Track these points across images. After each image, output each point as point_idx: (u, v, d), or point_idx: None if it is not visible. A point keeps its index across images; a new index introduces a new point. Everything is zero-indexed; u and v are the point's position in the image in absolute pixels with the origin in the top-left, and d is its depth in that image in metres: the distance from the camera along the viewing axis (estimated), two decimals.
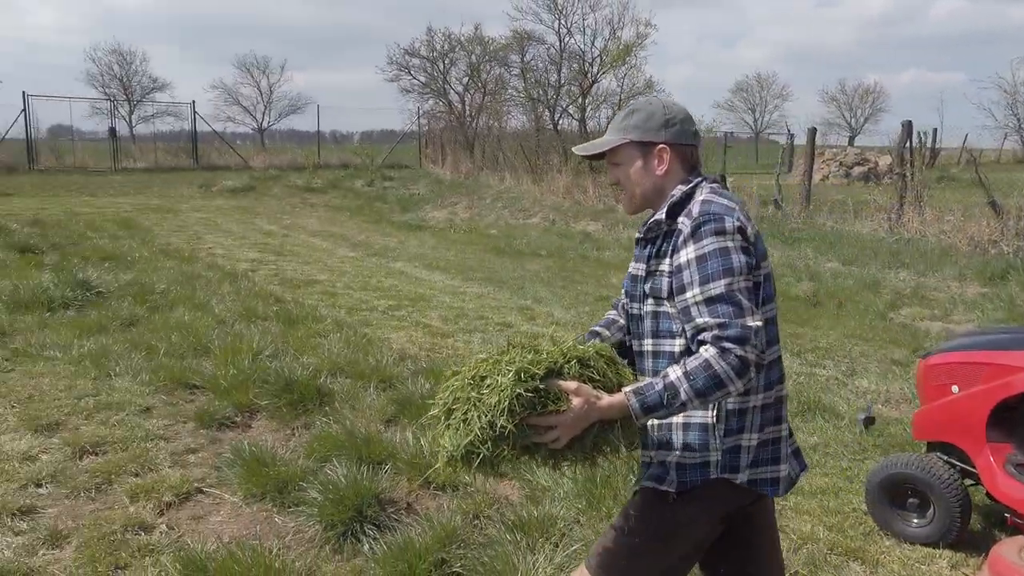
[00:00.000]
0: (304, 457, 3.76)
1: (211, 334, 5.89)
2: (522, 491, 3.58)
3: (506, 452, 1.65)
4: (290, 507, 3.38)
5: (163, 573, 2.81)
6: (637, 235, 1.88)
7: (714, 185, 1.82)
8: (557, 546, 3.03)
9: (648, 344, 1.83)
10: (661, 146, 1.82)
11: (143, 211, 15.25)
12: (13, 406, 4.51)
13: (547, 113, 21.44)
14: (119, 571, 2.84)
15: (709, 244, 1.66)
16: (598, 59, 21.13)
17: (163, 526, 3.20)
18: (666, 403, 1.62)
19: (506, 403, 1.62)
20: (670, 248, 1.74)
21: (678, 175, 1.83)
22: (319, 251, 11.39)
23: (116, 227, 12.63)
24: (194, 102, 24.65)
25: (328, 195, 19.23)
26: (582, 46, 21.81)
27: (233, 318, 6.52)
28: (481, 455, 1.64)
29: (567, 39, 21.53)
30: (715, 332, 1.60)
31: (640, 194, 1.86)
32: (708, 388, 1.59)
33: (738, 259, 1.66)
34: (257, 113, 32.98)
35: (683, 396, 1.61)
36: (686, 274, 1.67)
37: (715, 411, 1.74)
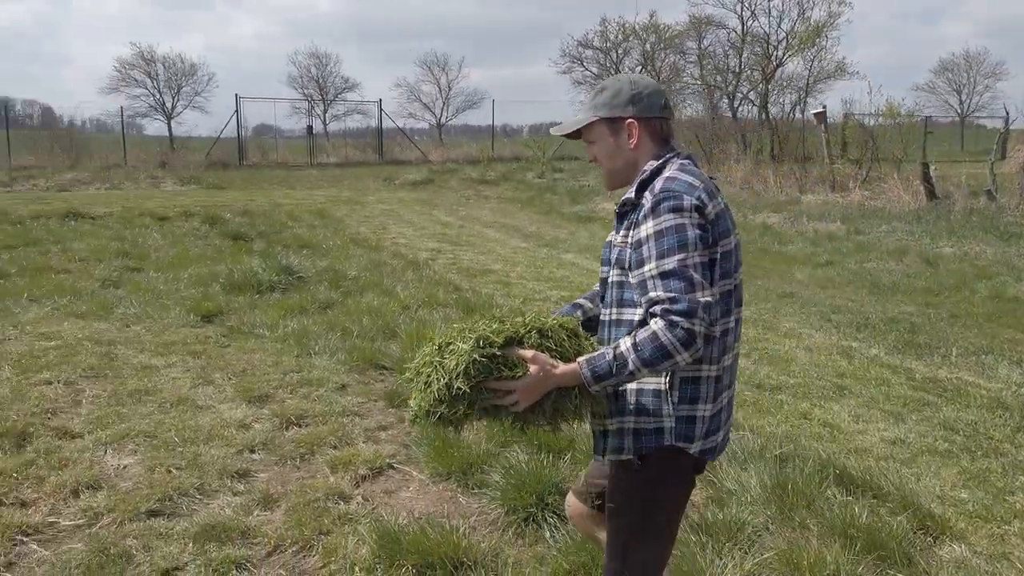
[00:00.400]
0: (486, 441, 3.85)
1: (397, 319, 6.21)
2: (704, 492, 3.45)
3: (462, 411, 1.81)
4: (473, 488, 3.48)
5: (361, 541, 2.98)
6: (615, 208, 1.93)
7: (684, 162, 1.86)
8: (746, 552, 2.89)
9: (613, 313, 1.90)
10: (629, 120, 1.87)
11: (335, 203, 16.43)
12: (230, 378, 5.00)
13: (725, 100, 20.59)
14: (322, 536, 3.06)
15: (667, 220, 1.73)
16: (784, 42, 19.99)
17: (359, 497, 3.41)
18: (615, 372, 1.72)
19: (462, 367, 1.77)
20: (635, 222, 1.81)
21: (650, 149, 1.89)
22: (493, 241, 11.70)
23: (312, 217, 13.71)
24: (381, 100, 26.27)
25: (501, 187, 19.72)
26: (766, 29, 20.72)
27: (416, 304, 6.84)
28: (440, 413, 1.81)
29: (750, 22, 20.54)
30: (665, 305, 1.68)
31: (615, 169, 1.93)
32: (655, 358, 1.67)
33: (693, 235, 1.72)
34: (436, 109, 34.52)
35: (631, 366, 1.70)
36: (644, 248, 1.75)
37: (667, 378, 1.81)
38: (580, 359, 1.77)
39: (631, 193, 1.87)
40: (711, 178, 1.88)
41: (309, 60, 32.34)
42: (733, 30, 21.08)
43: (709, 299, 1.70)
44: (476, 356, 1.77)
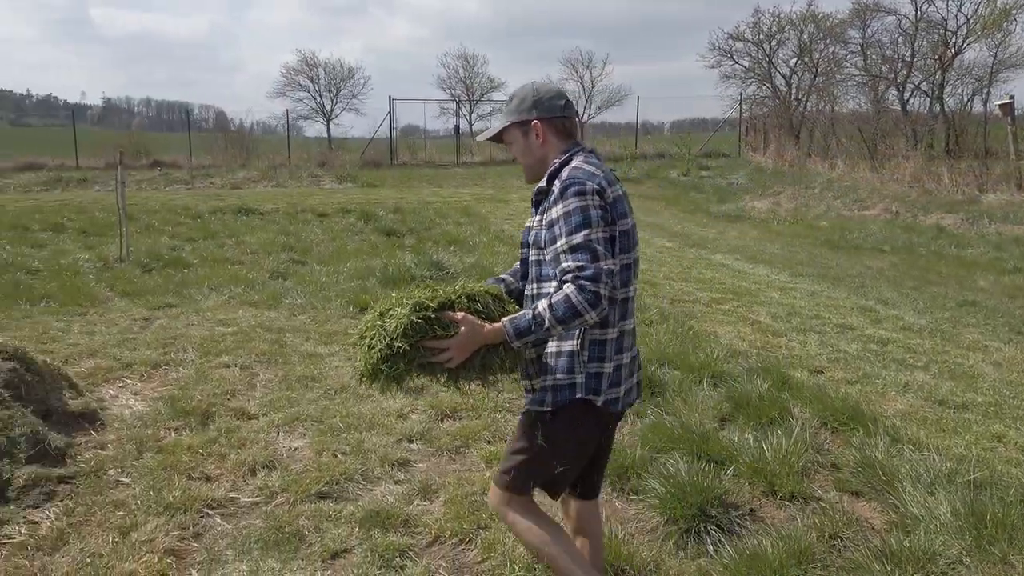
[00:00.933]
0: (640, 447, 3.75)
1: None
2: (885, 516, 3.17)
3: (402, 368, 2.04)
4: (630, 494, 3.39)
5: (518, 540, 2.97)
6: (532, 197, 2.21)
7: (588, 155, 2.16)
8: None
9: (534, 288, 2.19)
10: (534, 122, 2.18)
11: (480, 200, 16.77)
12: None
13: (893, 92, 19.10)
14: (480, 530, 3.08)
15: (572, 203, 2.02)
16: (964, 27, 18.24)
17: None
18: (534, 329, 2.01)
19: (401, 328, 2.01)
20: (547, 206, 2.09)
21: (556, 145, 2.19)
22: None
23: (459, 214, 14.06)
24: None
25: (644, 185, 19.37)
26: (943, 13, 19.01)
27: None
28: (384, 372, 2.04)
29: (925, 7, 18.92)
30: (575, 273, 1.96)
31: (530, 165, 2.23)
32: (567, 316, 1.95)
33: (595, 215, 2.01)
34: (579, 107, 34.41)
35: (547, 323, 1.97)
36: (556, 228, 2.03)
37: (579, 341, 2.09)
38: (504, 319, 2.06)
39: (543, 183, 2.15)
40: (611, 170, 2.19)
41: (457, 62, 33.30)
42: (905, 16, 19.50)
43: (612, 267, 2.01)
44: (413, 318, 2.01)
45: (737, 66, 26.94)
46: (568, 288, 1.96)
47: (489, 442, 3.95)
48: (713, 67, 27.41)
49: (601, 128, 37.52)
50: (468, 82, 32.58)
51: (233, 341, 5.75)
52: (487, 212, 14.68)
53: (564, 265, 1.99)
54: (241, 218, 13.32)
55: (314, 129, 31.46)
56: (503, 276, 2.41)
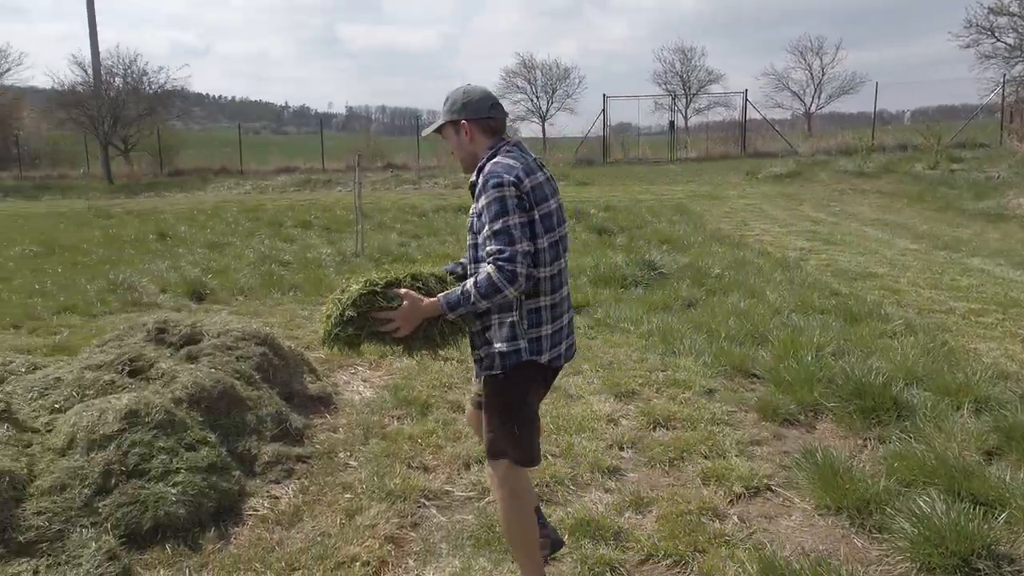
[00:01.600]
0: (885, 477, 3.29)
1: (768, 323, 5.76)
2: None
3: (352, 333, 2.39)
4: (872, 531, 2.98)
5: (741, 570, 2.72)
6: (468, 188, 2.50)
7: (511, 149, 2.45)
8: None
9: (471, 269, 2.46)
10: (463, 122, 2.46)
11: (694, 198, 16.18)
12: (597, 370, 5.09)
13: None
14: (697, 554, 2.86)
15: (492, 194, 2.30)
16: None
17: (735, 517, 3.14)
18: (462, 303, 2.32)
19: (350, 299, 2.39)
20: (476, 197, 2.39)
21: (484, 141, 2.48)
22: (874, 241, 10.38)
23: (671, 212, 13.64)
24: (746, 91, 25.17)
25: (881, 180, 17.55)
26: None
27: (788, 308, 6.28)
28: (339, 336, 2.40)
29: None
30: (495, 256, 2.27)
31: (463, 159, 2.52)
32: (489, 292, 2.27)
33: (511, 204, 2.29)
34: (806, 97, 32.11)
35: (473, 298, 2.29)
36: (483, 216, 2.33)
37: (518, 312, 2.39)
38: (439, 295, 2.37)
39: (474, 176, 2.44)
40: (535, 159, 2.49)
41: (674, 55, 32.40)
42: None
43: (528, 248, 2.29)
44: (362, 292, 2.38)
45: (999, 44, 23.59)
46: (489, 268, 2.26)
47: (707, 457, 3.69)
48: (969, 47, 24.23)
49: (831, 119, 34.71)
50: (684, 75, 31.59)
51: None
52: (702, 210, 14.11)
53: (488, 249, 2.29)
54: (460, 216, 13.97)
55: (528, 129, 32.32)
56: (461, 260, 2.67)
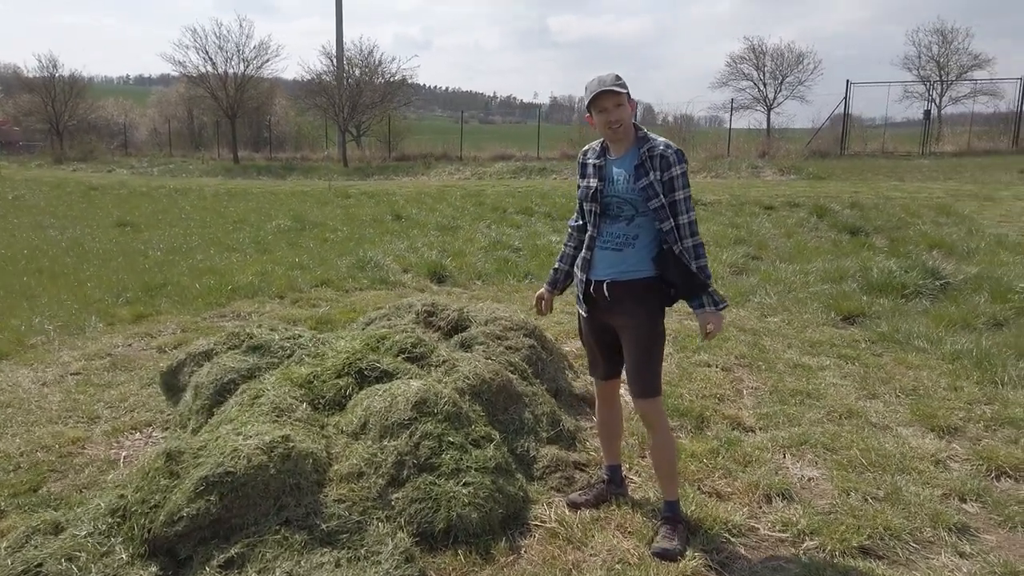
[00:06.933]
0: None
1: None
2: None
3: None
4: None
5: None
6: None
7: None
8: None
9: (659, 227, 2.82)
10: (631, 99, 2.83)
11: (957, 197, 14.17)
12: (899, 396, 4.34)
13: None
14: None
15: (684, 167, 2.76)
16: None
17: None
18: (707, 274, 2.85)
19: None
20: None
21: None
22: None
23: (933, 213, 11.99)
24: (1023, 78, 21.71)
25: None
26: None
27: None
28: None
29: None
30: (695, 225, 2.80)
31: (626, 131, 2.80)
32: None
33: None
34: None
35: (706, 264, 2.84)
36: (676, 183, 2.75)
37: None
38: (697, 284, 2.79)
39: (637, 144, 2.83)
40: None
41: (931, 37, 28.63)
42: None
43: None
44: None
45: None
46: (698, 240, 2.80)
47: None
48: None
49: None
50: (942, 60, 27.77)
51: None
52: (972, 212, 12.26)
53: (692, 216, 2.77)
54: None
55: (748, 120, 30.35)
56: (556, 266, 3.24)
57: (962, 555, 2.76)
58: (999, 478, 3.35)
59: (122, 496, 2.70)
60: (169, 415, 4.00)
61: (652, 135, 2.80)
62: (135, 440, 3.81)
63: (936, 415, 3.98)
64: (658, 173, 2.70)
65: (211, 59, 30.47)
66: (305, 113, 32.56)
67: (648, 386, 2.82)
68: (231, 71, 30.66)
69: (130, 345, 5.58)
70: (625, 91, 2.73)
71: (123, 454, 3.64)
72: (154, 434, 3.87)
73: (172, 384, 4.13)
